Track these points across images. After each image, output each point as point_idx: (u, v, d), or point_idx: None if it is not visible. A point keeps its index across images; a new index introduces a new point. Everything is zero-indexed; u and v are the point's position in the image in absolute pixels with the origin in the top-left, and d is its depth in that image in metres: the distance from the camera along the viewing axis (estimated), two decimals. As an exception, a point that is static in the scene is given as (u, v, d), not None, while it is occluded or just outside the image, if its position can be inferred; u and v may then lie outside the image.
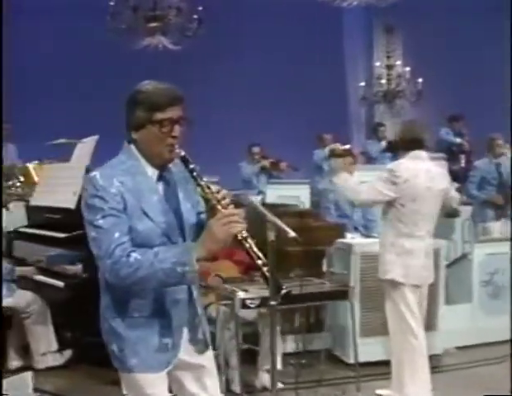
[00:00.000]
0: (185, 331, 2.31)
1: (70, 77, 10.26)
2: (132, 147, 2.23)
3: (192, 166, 2.17)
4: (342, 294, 4.20)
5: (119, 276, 2.07)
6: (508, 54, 9.10)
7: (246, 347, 4.53)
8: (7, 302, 4.51)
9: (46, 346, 4.66)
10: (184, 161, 2.18)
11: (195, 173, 2.16)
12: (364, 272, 4.82)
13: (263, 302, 3.86)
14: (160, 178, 2.25)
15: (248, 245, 2.10)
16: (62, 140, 6.43)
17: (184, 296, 2.26)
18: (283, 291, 2.08)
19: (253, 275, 4.41)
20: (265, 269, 2.08)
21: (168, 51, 10.05)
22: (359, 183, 4.32)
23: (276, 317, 2.11)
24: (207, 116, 10.38)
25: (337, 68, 11.00)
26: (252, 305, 3.83)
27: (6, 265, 4.62)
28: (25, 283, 4.72)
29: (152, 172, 2.23)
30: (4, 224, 5.38)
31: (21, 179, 6.29)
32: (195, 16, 9.90)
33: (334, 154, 6.50)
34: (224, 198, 2.14)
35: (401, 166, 4.06)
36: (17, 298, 4.56)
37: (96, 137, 6.72)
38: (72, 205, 4.60)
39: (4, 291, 4.50)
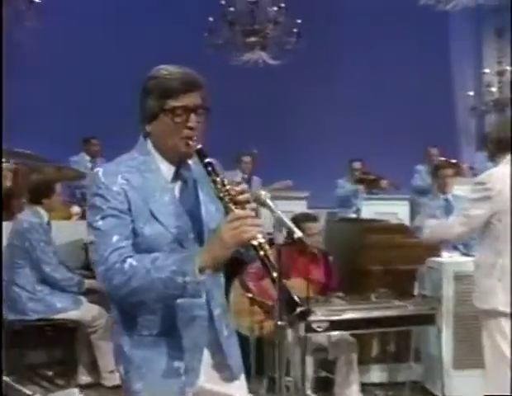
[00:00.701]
0: (206, 354, 1.97)
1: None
2: (147, 141, 1.96)
3: (207, 160, 1.85)
4: (426, 319, 3.69)
5: (112, 285, 1.78)
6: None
7: (323, 375, 4.15)
8: (72, 314, 4.36)
9: (114, 363, 4.46)
10: (199, 154, 1.87)
11: (209, 168, 1.83)
12: (459, 295, 4.26)
13: (334, 326, 3.47)
14: (177, 176, 1.95)
15: (262, 253, 1.72)
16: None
17: (202, 313, 1.93)
18: (298, 309, 1.66)
19: (331, 295, 4.04)
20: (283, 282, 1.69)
21: (267, 66, 9.88)
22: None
23: (283, 341, 1.71)
24: (309, 130, 10.09)
25: (443, 75, 10.30)
26: (319, 329, 3.42)
27: (73, 276, 4.49)
28: (94, 297, 4.56)
29: (167, 169, 1.94)
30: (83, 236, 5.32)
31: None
32: (294, 30, 9.66)
33: (437, 168, 6.00)
34: (240, 196, 1.78)
35: (493, 175, 3.45)
36: (84, 311, 4.41)
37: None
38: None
39: (69, 303, 4.36)
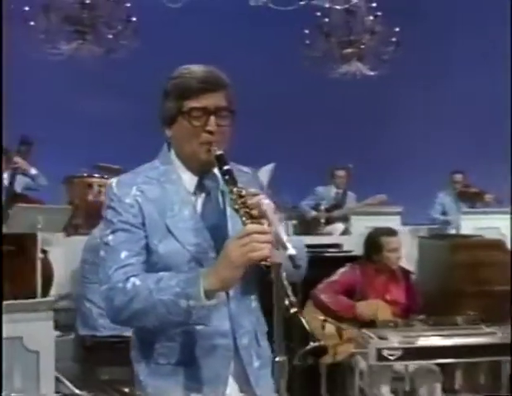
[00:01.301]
0: (234, 386, 1.76)
1: (263, 108, 10.12)
2: (171, 150, 1.80)
3: (226, 167, 1.65)
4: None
5: (113, 306, 1.63)
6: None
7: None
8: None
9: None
10: (219, 160, 1.67)
11: (227, 177, 1.64)
12: (561, 321, 3.78)
13: (408, 354, 3.15)
14: (201, 187, 1.77)
15: (276, 278, 1.48)
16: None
17: (225, 342, 1.73)
18: (311, 345, 1.41)
19: (412, 318, 3.71)
20: (292, 311, 1.44)
21: (365, 77, 9.59)
22: None
23: (284, 377, 1.44)
24: (407, 142, 9.66)
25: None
26: (391, 357, 3.11)
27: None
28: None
29: (190, 180, 1.77)
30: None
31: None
32: (392, 39, 9.32)
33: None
34: (255, 210, 1.56)
35: None
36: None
37: (272, 165, 6.47)
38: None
39: None
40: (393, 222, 6.05)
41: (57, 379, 3.57)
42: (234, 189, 1.60)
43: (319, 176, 8.14)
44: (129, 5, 8.87)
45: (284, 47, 9.40)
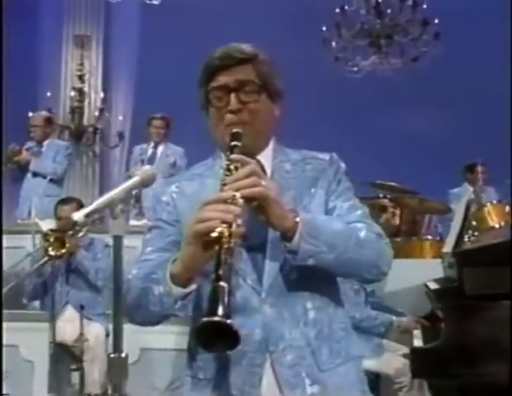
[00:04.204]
0: None
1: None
2: None
3: (234, 143, 1.50)
4: None
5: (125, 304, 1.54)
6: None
7: None
8: (369, 364, 3.40)
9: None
10: (232, 137, 1.51)
11: (228, 152, 1.48)
12: None
13: None
14: None
15: (217, 247, 1.32)
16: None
17: (252, 354, 1.47)
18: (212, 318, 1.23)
19: None
20: (216, 284, 1.27)
21: None
22: None
23: None
24: None
25: None
26: None
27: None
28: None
29: None
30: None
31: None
32: None
33: None
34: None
35: None
36: (384, 362, 3.49)
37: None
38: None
39: (369, 350, 3.47)
40: None
41: None
42: (227, 163, 1.46)
43: None
44: (425, 6, 8.19)
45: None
